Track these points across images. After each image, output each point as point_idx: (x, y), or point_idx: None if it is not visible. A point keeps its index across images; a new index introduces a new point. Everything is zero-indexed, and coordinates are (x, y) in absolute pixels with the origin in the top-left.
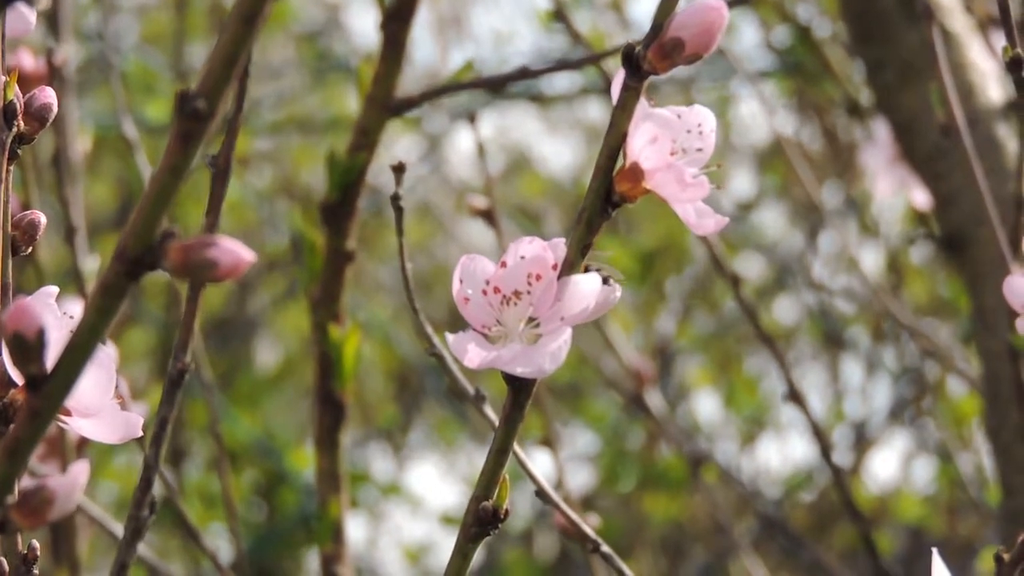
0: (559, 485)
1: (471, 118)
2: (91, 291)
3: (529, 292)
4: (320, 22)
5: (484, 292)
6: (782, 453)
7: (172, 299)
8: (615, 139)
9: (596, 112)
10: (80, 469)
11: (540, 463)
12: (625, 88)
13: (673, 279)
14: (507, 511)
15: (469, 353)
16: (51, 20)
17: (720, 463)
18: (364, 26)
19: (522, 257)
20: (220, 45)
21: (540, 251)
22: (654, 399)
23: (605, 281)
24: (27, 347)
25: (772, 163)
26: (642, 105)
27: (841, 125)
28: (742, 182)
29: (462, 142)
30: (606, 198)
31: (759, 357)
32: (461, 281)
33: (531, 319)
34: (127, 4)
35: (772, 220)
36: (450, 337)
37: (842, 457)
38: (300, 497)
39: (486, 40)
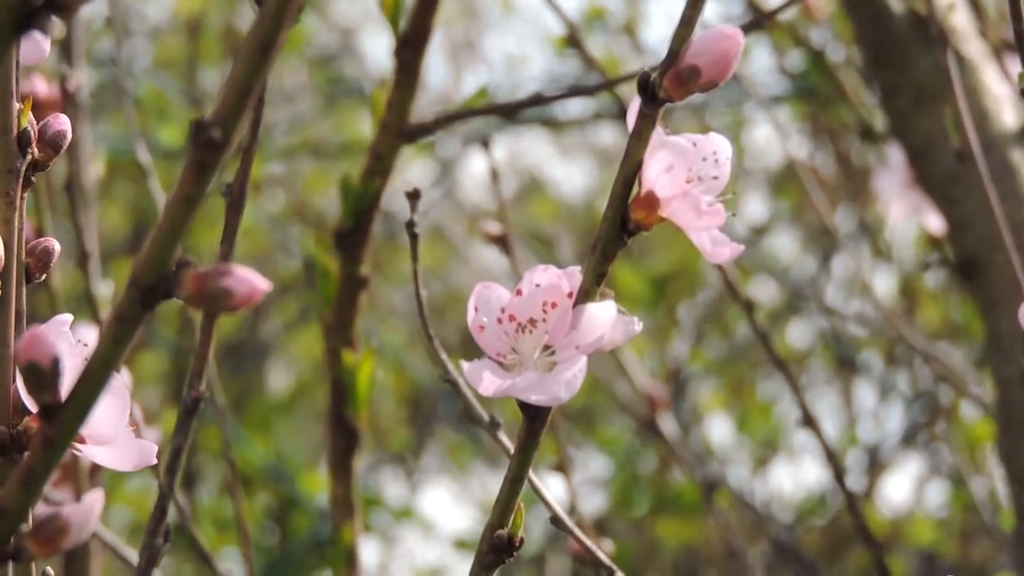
0: (572, 510)
1: (484, 144)
2: (105, 320)
3: (544, 320)
4: (334, 46)
5: (499, 320)
6: (795, 477)
7: (185, 324)
8: (630, 167)
9: (609, 136)
10: (95, 498)
11: (553, 487)
12: (641, 116)
13: (686, 303)
14: (522, 539)
15: (484, 381)
16: (65, 46)
17: (733, 487)
18: (378, 50)
19: (537, 285)
20: (235, 74)
21: (555, 279)
22: (667, 424)
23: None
24: (41, 376)
25: (785, 187)
26: (658, 133)
27: (855, 149)
28: (756, 206)
29: (475, 166)
30: (621, 226)
31: (772, 381)
32: (476, 309)
33: (546, 347)
34: (141, 28)
35: (785, 244)
36: (465, 365)
37: (855, 481)
38: (313, 521)
39: (500, 65)
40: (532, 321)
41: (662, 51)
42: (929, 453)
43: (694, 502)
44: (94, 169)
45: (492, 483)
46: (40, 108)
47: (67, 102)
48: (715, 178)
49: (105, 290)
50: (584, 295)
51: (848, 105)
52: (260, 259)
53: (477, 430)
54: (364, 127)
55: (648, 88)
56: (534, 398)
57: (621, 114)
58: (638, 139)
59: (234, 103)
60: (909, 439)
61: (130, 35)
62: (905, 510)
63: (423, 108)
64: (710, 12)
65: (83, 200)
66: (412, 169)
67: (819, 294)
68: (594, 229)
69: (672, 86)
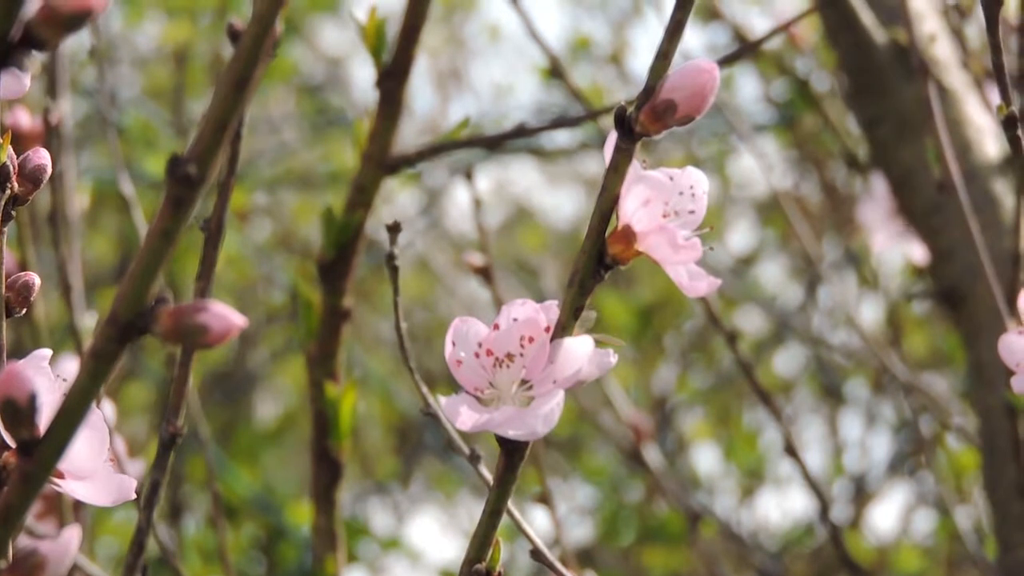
0: (556, 542)
1: (468, 175)
2: (83, 356)
3: (522, 355)
4: (321, 76)
5: (477, 355)
6: (781, 506)
7: (172, 355)
8: (607, 201)
9: (596, 165)
10: (72, 534)
11: (539, 518)
12: (617, 150)
13: (672, 333)
14: (500, 573)
15: (462, 416)
16: (49, 77)
17: (719, 516)
18: (365, 79)
19: (515, 319)
20: (211, 110)
21: (533, 313)
22: (652, 454)
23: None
24: (19, 412)
25: (772, 216)
26: (634, 167)
27: (841, 178)
28: (743, 235)
29: (462, 196)
30: (599, 260)
31: (759, 410)
32: (454, 344)
33: (524, 381)
34: (128, 57)
35: (773, 272)
36: (443, 400)
37: (842, 510)
38: (300, 552)
39: (487, 93)
40: (509, 355)
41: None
42: (915, 482)
43: (680, 531)
44: (78, 201)
45: (479, 512)
46: (23, 140)
47: (50, 134)
48: (692, 212)
49: (89, 322)
50: (561, 329)
51: (833, 134)
52: (246, 289)
53: (463, 460)
54: (351, 157)
55: (624, 122)
56: (511, 432)
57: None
58: (615, 173)
59: (211, 139)
60: (895, 468)
61: (117, 64)
62: (892, 539)
63: (410, 137)
64: (695, 41)
65: (67, 232)
66: (399, 199)
67: (805, 323)
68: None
69: (648, 120)
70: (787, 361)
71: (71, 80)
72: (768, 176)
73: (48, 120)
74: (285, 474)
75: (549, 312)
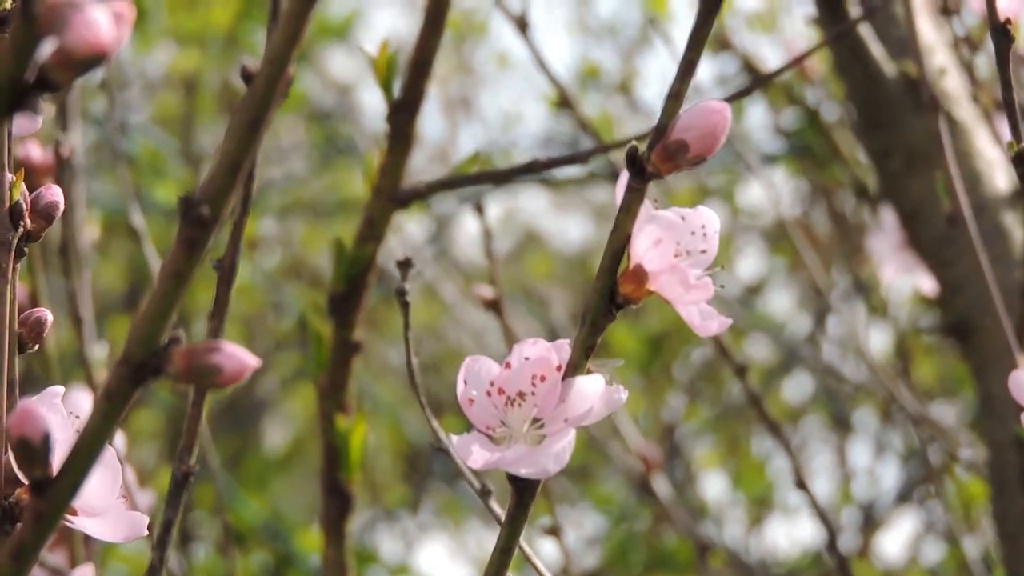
0: (565, 571)
1: (478, 208)
2: (95, 397)
3: (533, 393)
4: (331, 103)
5: (488, 393)
6: (790, 534)
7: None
8: (619, 241)
9: (604, 193)
10: (85, 573)
11: (547, 546)
12: (629, 190)
13: (681, 361)
14: None
15: (473, 454)
16: (60, 107)
17: (728, 545)
18: (375, 105)
19: (526, 358)
20: (224, 151)
21: (544, 353)
22: (661, 484)
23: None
24: (32, 451)
25: (782, 244)
26: (646, 207)
27: (849, 207)
28: (752, 263)
29: (471, 224)
30: (610, 299)
31: (767, 438)
32: (465, 383)
33: (535, 420)
34: (138, 82)
35: (782, 301)
36: (455, 439)
37: (850, 538)
38: None
39: (495, 120)
40: (521, 394)
41: (656, 109)
42: (924, 511)
43: (688, 560)
44: (88, 233)
45: (488, 540)
46: (35, 173)
47: (61, 166)
48: (703, 252)
49: (99, 352)
50: (573, 368)
51: (843, 163)
52: (256, 317)
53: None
54: (360, 185)
55: (636, 163)
56: (523, 471)
57: (614, 175)
58: (626, 213)
59: (224, 179)
60: (904, 497)
61: (127, 87)
62: (900, 567)
63: (420, 163)
64: (705, 71)
65: (77, 263)
66: (408, 227)
67: (815, 353)
68: (589, 284)
69: (660, 161)
70: (796, 390)
71: (81, 108)
72: (777, 206)
73: (60, 153)
74: (294, 501)
75: (561, 351)
